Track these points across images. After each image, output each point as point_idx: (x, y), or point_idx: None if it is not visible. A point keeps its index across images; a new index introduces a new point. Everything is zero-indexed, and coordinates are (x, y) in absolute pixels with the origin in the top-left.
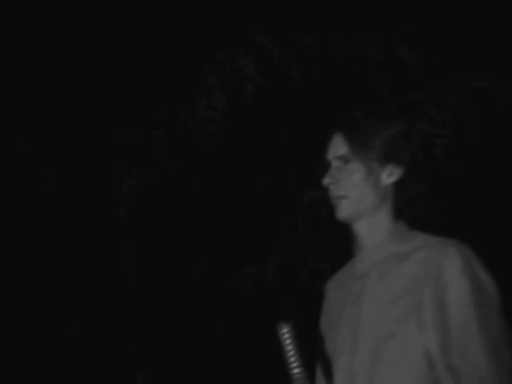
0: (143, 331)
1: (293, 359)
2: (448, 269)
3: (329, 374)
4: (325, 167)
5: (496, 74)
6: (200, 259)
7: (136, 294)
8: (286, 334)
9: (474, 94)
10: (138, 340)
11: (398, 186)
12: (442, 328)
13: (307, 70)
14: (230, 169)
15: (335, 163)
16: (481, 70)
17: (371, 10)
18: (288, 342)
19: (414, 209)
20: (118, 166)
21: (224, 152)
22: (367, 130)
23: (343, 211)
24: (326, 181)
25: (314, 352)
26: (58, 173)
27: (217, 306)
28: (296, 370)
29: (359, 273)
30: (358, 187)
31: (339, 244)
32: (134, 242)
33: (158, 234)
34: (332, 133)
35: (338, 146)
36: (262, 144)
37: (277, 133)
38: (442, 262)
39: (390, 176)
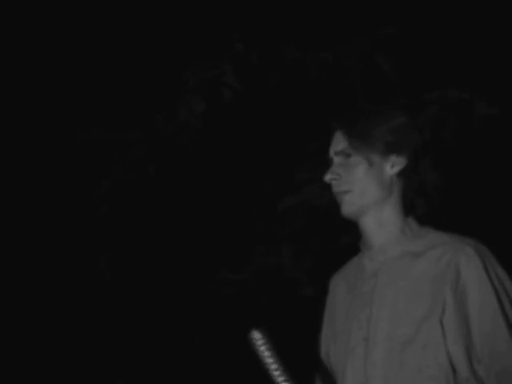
0: (120, 336)
1: (272, 365)
2: (466, 270)
3: (334, 375)
4: (327, 164)
5: (473, 86)
6: (177, 263)
7: (112, 298)
8: (258, 340)
9: (451, 104)
10: (115, 345)
11: (404, 176)
12: (466, 334)
13: (285, 77)
14: (208, 173)
15: (336, 159)
16: (458, 81)
17: (350, 19)
18: (263, 348)
19: (424, 204)
20: (96, 168)
21: (202, 156)
22: (366, 123)
23: (347, 206)
24: (327, 177)
25: (314, 351)
26: (34, 174)
27: (194, 310)
28: (279, 378)
29: (369, 272)
30: (360, 181)
31: (315, 252)
32: (110, 245)
33: (135, 236)
34: (333, 130)
35: (337, 142)
36: (239, 149)
37: (254, 138)
38: (460, 263)
39: (393, 166)
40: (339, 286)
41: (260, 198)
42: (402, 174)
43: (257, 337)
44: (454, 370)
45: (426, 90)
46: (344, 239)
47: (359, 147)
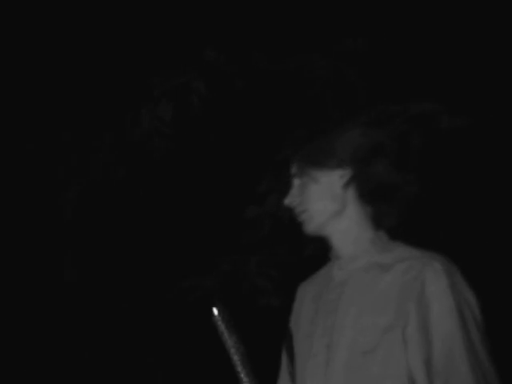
0: (79, 341)
1: (232, 347)
2: (432, 285)
3: (295, 381)
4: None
5: (438, 98)
6: (142, 269)
7: (74, 302)
8: (219, 318)
9: (416, 117)
10: (74, 350)
11: (354, 184)
12: (427, 349)
13: (254, 84)
14: (175, 180)
15: (294, 182)
16: (423, 93)
17: (318, 29)
18: (223, 326)
19: (393, 214)
20: (64, 172)
21: (170, 163)
22: (304, 142)
23: (307, 225)
24: (286, 202)
25: (280, 355)
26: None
27: (157, 317)
28: (236, 358)
29: (337, 281)
30: (312, 199)
31: (281, 260)
32: (75, 249)
33: (101, 241)
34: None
35: (291, 165)
36: (206, 157)
37: (221, 146)
38: (426, 278)
39: (341, 177)
40: (306, 294)
41: (226, 207)
42: (350, 183)
43: (217, 315)
44: (413, 383)
45: (391, 103)
46: (309, 249)
47: (304, 168)
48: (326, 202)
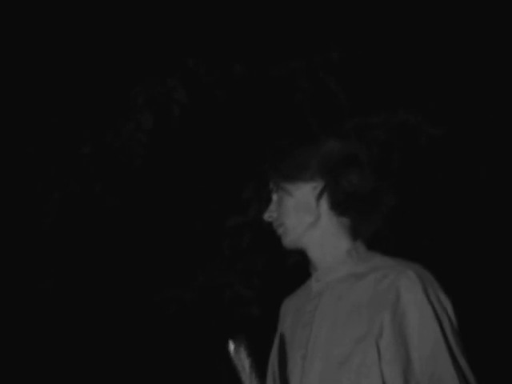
0: (62, 348)
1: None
2: (407, 293)
3: None
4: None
5: (419, 108)
6: (122, 280)
7: (52, 311)
8: (237, 350)
9: (397, 127)
10: (56, 356)
11: (327, 195)
12: (404, 358)
13: (235, 94)
14: (155, 189)
15: (272, 197)
16: (404, 104)
17: (300, 39)
18: (239, 363)
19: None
20: (42, 183)
21: (149, 173)
22: (274, 158)
23: (284, 239)
24: (265, 216)
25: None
26: None
27: (138, 328)
28: None
29: (314, 292)
30: (288, 213)
31: (262, 270)
32: (55, 260)
33: (81, 250)
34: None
35: (269, 181)
36: (186, 166)
37: (201, 156)
38: (400, 286)
39: (314, 189)
40: (289, 308)
41: (207, 216)
42: (322, 194)
43: (234, 347)
44: None
45: (372, 112)
46: (292, 258)
47: (279, 183)
48: (300, 214)
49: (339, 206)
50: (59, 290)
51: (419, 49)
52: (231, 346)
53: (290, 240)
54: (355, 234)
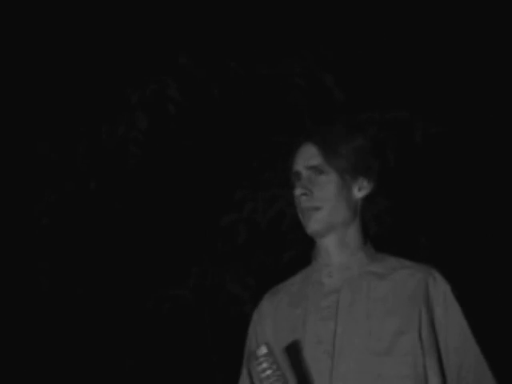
0: (56, 347)
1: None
2: (435, 291)
3: None
4: (295, 177)
5: (414, 106)
6: (117, 278)
7: (49, 313)
8: (268, 354)
9: (392, 124)
10: (48, 359)
11: (367, 200)
12: (437, 348)
13: (229, 92)
14: (150, 189)
15: (306, 173)
16: (399, 101)
17: (295, 37)
18: (266, 365)
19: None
20: (37, 182)
21: (144, 171)
22: (340, 141)
23: (316, 223)
24: (298, 191)
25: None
26: None
27: (132, 327)
28: None
29: (329, 288)
30: (332, 199)
31: (256, 268)
32: (50, 260)
33: (75, 249)
34: (300, 142)
35: (310, 156)
36: (181, 165)
37: (196, 154)
38: (429, 284)
39: (360, 190)
40: (279, 303)
41: (202, 215)
42: (366, 198)
43: (263, 353)
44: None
45: (366, 110)
46: (286, 256)
47: (334, 165)
48: (343, 207)
49: (372, 215)
50: (55, 288)
51: (415, 45)
52: (263, 350)
53: (321, 226)
54: (366, 232)
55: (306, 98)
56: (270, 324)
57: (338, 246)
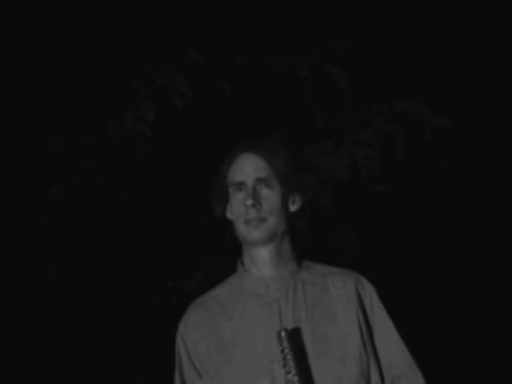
0: (61, 343)
1: (290, 365)
2: (366, 295)
3: None
4: (236, 186)
5: (422, 98)
6: (124, 272)
7: (58, 303)
8: (287, 337)
9: (399, 116)
10: (55, 353)
11: (297, 214)
12: (373, 348)
13: (237, 85)
14: (157, 182)
15: (253, 184)
16: (407, 93)
17: (302, 30)
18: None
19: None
20: (44, 177)
21: (151, 165)
22: (280, 157)
23: (261, 233)
24: (250, 202)
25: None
26: None
27: (140, 320)
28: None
29: (266, 300)
30: (275, 212)
31: None
32: (57, 253)
33: (83, 245)
34: (240, 152)
35: (259, 168)
36: (189, 157)
37: (204, 146)
38: (359, 288)
39: (294, 204)
40: (215, 314)
41: (209, 208)
42: (297, 212)
43: (284, 335)
44: (369, 381)
45: (374, 102)
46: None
47: (278, 180)
48: (283, 219)
49: (300, 229)
50: (62, 282)
51: (422, 39)
52: (283, 333)
53: (265, 236)
54: (296, 243)
55: (314, 90)
56: (203, 337)
57: (274, 257)
